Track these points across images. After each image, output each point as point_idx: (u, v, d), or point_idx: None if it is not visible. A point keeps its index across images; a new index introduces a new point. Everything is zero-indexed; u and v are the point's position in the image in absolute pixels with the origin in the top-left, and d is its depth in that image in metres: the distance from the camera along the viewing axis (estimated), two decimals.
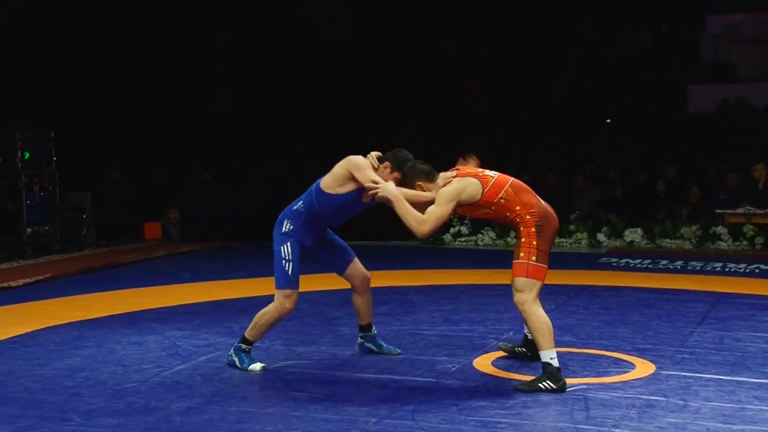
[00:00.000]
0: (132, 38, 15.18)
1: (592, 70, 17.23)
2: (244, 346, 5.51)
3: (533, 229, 5.07)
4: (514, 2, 16.56)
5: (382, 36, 16.68)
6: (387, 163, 5.30)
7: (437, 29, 16.76)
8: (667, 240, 11.68)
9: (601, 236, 11.77)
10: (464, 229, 12.71)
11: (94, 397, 4.95)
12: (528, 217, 5.09)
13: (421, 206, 5.10)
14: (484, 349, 5.97)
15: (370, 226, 11.23)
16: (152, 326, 6.84)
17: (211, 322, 6.97)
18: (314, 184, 5.39)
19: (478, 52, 17.09)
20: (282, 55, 16.57)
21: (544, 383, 4.93)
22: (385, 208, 5.24)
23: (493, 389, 5.06)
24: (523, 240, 5.07)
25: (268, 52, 16.52)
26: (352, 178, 5.21)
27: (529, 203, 5.14)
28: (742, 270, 9.79)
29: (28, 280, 9.06)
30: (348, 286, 5.78)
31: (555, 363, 4.97)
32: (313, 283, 8.90)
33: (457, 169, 5.29)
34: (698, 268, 9.90)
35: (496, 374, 5.36)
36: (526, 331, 5.56)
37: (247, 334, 5.50)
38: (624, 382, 5.18)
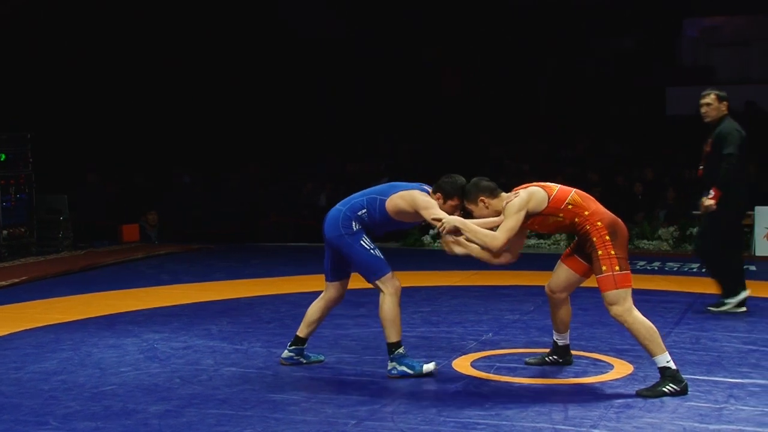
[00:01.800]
0: (109, 40, 15.10)
1: (572, 73, 17.31)
2: (400, 350, 5.30)
3: (607, 237, 5.00)
4: (498, 7, 16.62)
5: (367, 40, 16.68)
6: (438, 194, 5.30)
7: (422, 33, 16.78)
8: (645, 241, 11.76)
9: None
10: None
11: (70, 400, 4.91)
12: (599, 223, 5.04)
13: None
14: (463, 351, 5.98)
15: None
16: (130, 329, 6.80)
17: (189, 325, 6.94)
18: (378, 198, 5.35)
19: (462, 56, 17.13)
20: (264, 58, 16.54)
21: (667, 387, 4.87)
22: None
23: (472, 390, 5.07)
24: (600, 253, 4.99)
25: (249, 54, 16.48)
26: (415, 214, 5.28)
27: (597, 211, 5.11)
28: None
29: (3, 282, 8.99)
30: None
31: (672, 365, 4.91)
32: (293, 285, 8.89)
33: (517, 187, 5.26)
34: (675, 269, 9.97)
35: (475, 375, 5.37)
36: (555, 338, 5.55)
37: (391, 339, 5.30)
38: (602, 383, 5.21)
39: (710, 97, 7.32)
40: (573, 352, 5.65)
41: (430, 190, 5.36)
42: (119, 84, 15.30)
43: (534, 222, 5.18)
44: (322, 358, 5.75)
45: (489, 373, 5.42)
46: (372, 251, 5.30)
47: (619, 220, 5.18)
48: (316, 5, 16.37)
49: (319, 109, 16.45)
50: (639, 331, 4.94)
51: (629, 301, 4.97)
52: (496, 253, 5.07)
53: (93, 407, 4.78)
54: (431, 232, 12.70)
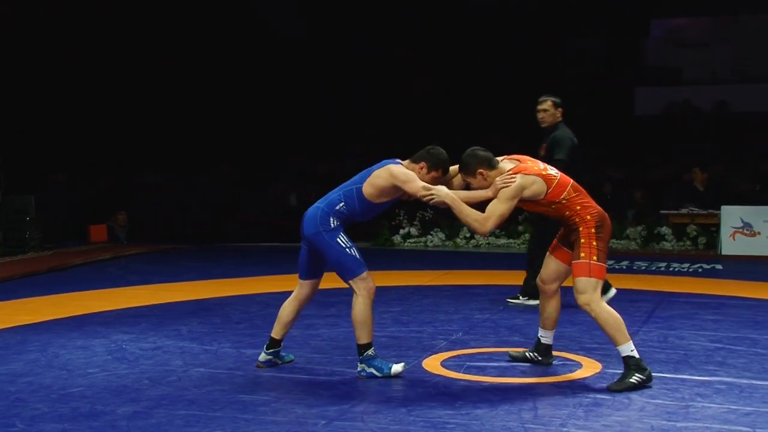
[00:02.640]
0: (77, 40, 14.96)
1: (541, 74, 17.38)
2: (369, 352, 5.28)
3: (593, 230, 5.08)
4: (467, 9, 16.67)
5: (336, 39, 16.65)
6: (423, 164, 5.23)
7: (391, 34, 16.78)
8: (613, 240, 11.86)
9: None
10: (414, 231, 12.78)
11: (37, 402, 4.86)
12: (588, 217, 5.11)
13: (477, 205, 5.08)
14: (434, 350, 5.99)
15: None
16: (98, 330, 6.74)
17: (158, 326, 6.90)
18: (353, 189, 5.28)
19: (432, 57, 17.15)
20: (235, 58, 16.46)
21: (633, 377, 4.95)
22: None
23: (442, 390, 5.08)
24: (582, 241, 5.07)
25: (219, 55, 16.40)
26: (397, 189, 5.20)
27: (589, 205, 5.18)
28: (686, 269, 9.98)
29: None
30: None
31: (636, 354, 5.00)
32: (263, 285, 8.87)
33: (518, 161, 5.23)
34: (643, 267, 10.07)
35: (445, 375, 5.38)
36: (540, 334, 5.57)
37: (361, 341, 5.28)
38: (571, 381, 5.24)
39: (547, 104, 7.55)
40: None
41: (402, 162, 5.29)
42: (88, 84, 15.16)
43: (522, 205, 5.21)
44: (292, 357, 5.74)
45: (459, 372, 5.43)
46: (348, 250, 5.26)
47: (606, 215, 5.27)
48: (284, 4, 16.33)
49: (290, 111, 16.40)
50: (606, 320, 5.01)
51: (598, 292, 5.05)
52: (482, 232, 5.05)
53: (60, 409, 4.73)
54: (401, 231, 12.74)
